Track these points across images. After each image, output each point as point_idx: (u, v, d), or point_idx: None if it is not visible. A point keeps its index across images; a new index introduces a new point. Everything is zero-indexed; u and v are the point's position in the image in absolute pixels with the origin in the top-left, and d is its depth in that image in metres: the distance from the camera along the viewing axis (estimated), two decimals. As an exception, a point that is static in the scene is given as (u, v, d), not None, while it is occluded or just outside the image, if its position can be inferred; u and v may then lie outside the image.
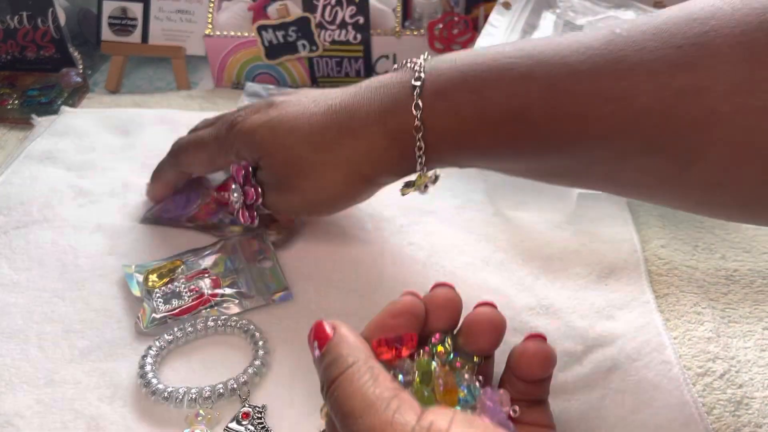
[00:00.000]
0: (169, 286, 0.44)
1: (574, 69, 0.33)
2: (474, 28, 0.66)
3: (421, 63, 0.39)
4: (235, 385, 0.38)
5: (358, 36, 0.68)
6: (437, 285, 0.31)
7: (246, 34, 0.69)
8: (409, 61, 0.40)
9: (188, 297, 0.43)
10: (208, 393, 0.38)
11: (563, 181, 0.39)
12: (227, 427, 0.37)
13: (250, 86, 0.67)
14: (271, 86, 0.67)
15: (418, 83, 0.38)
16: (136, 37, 0.72)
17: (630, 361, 0.41)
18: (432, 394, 0.29)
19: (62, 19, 0.70)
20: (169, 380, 0.40)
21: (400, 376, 0.29)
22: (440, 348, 0.30)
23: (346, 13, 0.67)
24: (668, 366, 0.40)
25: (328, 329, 0.28)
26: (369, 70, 0.70)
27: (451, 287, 0.31)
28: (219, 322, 0.42)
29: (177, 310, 0.43)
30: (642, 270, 0.47)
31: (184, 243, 0.49)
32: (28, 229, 0.51)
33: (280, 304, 0.44)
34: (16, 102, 0.67)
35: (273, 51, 0.69)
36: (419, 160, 0.39)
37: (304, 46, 0.68)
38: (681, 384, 0.39)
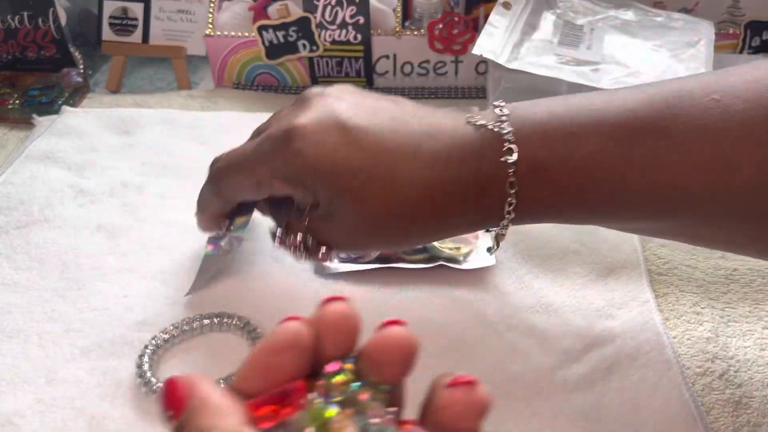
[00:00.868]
0: None
1: (674, 142, 0.32)
2: (474, 28, 0.66)
3: (508, 130, 0.35)
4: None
5: (359, 36, 0.68)
6: (328, 300, 0.23)
7: (246, 34, 0.69)
8: (492, 119, 0.35)
9: None
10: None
11: (647, 234, 0.41)
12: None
13: None
14: None
15: (512, 159, 0.34)
16: (136, 37, 0.72)
17: (629, 361, 0.41)
18: None
19: (63, 19, 0.70)
20: (169, 379, 0.40)
21: None
22: (338, 378, 0.22)
23: (347, 13, 0.67)
24: (667, 365, 0.40)
25: (184, 392, 0.21)
26: (369, 71, 0.70)
27: (345, 299, 0.23)
28: (215, 320, 0.42)
29: None
30: (642, 269, 0.47)
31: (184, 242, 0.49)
32: (29, 228, 0.51)
33: (280, 299, 0.44)
34: (17, 102, 0.67)
35: (273, 51, 0.69)
36: (504, 224, 0.36)
37: (304, 46, 0.68)
38: (680, 384, 0.39)
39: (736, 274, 0.47)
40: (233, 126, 0.63)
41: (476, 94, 0.69)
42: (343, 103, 0.36)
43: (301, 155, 0.34)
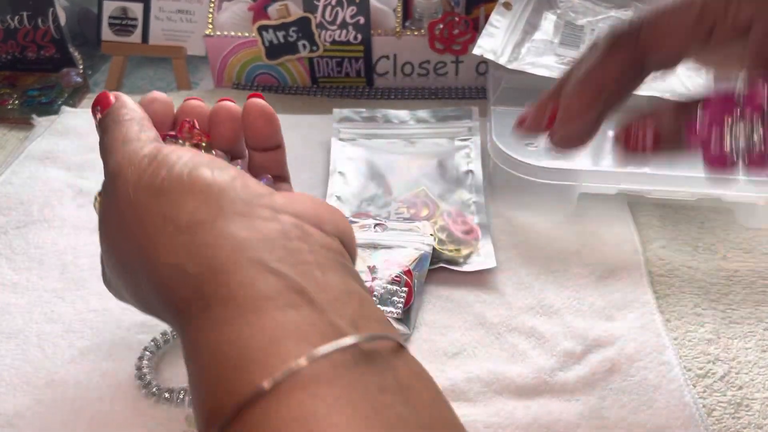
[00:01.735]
0: None
1: None
2: (474, 28, 0.66)
3: None
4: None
5: (359, 36, 0.67)
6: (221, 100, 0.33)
7: (246, 34, 0.69)
8: None
9: None
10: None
11: None
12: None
13: (338, 112, 0.61)
14: (362, 110, 0.61)
15: None
16: (136, 37, 0.72)
17: (630, 362, 0.40)
18: None
19: (62, 19, 0.70)
20: (170, 380, 0.40)
21: None
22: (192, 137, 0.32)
23: (347, 13, 0.67)
24: (668, 367, 0.40)
25: (111, 98, 0.31)
26: (369, 71, 0.70)
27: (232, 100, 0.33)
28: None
29: None
30: (642, 270, 0.47)
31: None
32: (28, 229, 0.51)
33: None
34: (17, 102, 0.67)
35: (273, 51, 0.68)
36: None
37: (304, 46, 0.68)
38: (681, 385, 0.39)
39: (737, 275, 0.47)
40: (233, 126, 0.63)
41: (476, 94, 0.69)
42: None
43: None
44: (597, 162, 0.51)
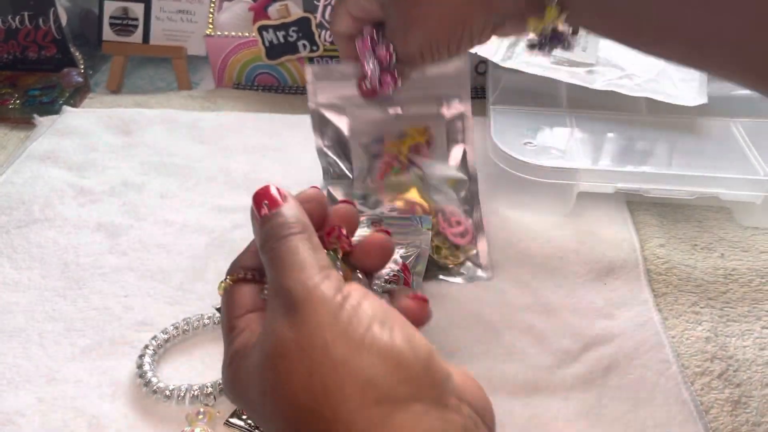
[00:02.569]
0: None
1: None
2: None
3: None
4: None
5: (359, 36, 0.68)
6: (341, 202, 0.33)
7: (247, 34, 0.69)
8: None
9: None
10: (209, 389, 0.38)
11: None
12: (228, 420, 0.37)
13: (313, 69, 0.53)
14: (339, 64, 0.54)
15: None
16: (137, 37, 0.72)
17: (628, 360, 0.41)
18: None
19: (63, 19, 0.70)
20: (171, 378, 0.40)
21: None
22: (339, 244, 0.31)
23: (347, 13, 0.67)
24: (666, 365, 0.40)
25: (279, 196, 0.28)
26: (369, 70, 0.70)
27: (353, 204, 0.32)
28: (215, 319, 0.42)
29: None
30: (641, 269, 0.47)
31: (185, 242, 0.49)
32: (30, 228, 0.51)
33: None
34: (18, 102, 0.67)
35: (273, 51, 0.69)
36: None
37: (304, 46, 0.68)
38: (679, 383, 0.39)
39: (735, 273, 0.47)
40: (233, 126, 0.63)
41: (476, 94, 0.69)
42: None
43: None
44: (596, 161, 0.51)
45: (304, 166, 0.57)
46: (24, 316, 0.44)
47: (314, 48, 0.68)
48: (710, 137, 0.54)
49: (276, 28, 0.68)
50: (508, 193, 0.53)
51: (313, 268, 0.25)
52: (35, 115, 0.65)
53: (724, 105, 0.56)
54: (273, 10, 0.69)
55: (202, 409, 0.37)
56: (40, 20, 0.70)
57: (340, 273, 0.28)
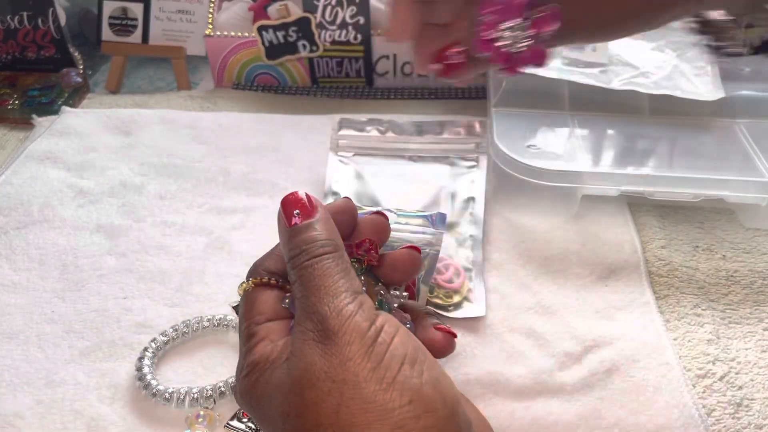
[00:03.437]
0: None
1: None
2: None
3: None
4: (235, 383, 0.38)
5: (359, 36, 0.68)
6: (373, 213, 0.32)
7: (246, 35, 0.69)
8: None
9: None
10: (209, 392, 0.38)
11: None
12: (228, 424, 0.37)
13: (338, 119, 0.58)
14: (363, 117, 0.58)
15: None
16: (136, 37, 0.72)
17: (630, 362, 0.40)
18: None
19: (62, 19, 0.70)
20: (170, 380, 0.40)
21: None
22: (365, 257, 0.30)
23: (347, 13, 0.67)
24: (668, 367, 0.40)
25: (311, 206, 0.27)
26: (369, 71, 0.70)
27: (383, 215, 0.31)
28: (215, 321, 0.42)
29: None
30: (642, 271, 0.47)
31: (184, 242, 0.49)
32: (29, 229, 0.51)
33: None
34: (17, 102, 0.67)
35: (273, 51, 0.69)
36: None
37: (304, 46, 0.68)
38: (681, 385, 0.39)
39: (737, 275, 0.47)
40: (233, 126, 0.63)
41: (477, 94, 0.69)
42: None
43: None
44: (599, 164, 0.51)
45: (303, 166, 0.57)
46: (23, 317, 0.44)
47: (314, 48, 0.68)
48: (714, 139, 0.54)
49: (276, 28, 0.67)
50: (510, 195, 0.52)
51: (347, 293, 0.25)
52: (34, 116, 0.64)
53: (727, 106, 0.56)
54: (273, 10, 0.68)
55: (201, 412, 0.37)
56: (39, 20, 0.70)
57: (364, 287, 0.27)
